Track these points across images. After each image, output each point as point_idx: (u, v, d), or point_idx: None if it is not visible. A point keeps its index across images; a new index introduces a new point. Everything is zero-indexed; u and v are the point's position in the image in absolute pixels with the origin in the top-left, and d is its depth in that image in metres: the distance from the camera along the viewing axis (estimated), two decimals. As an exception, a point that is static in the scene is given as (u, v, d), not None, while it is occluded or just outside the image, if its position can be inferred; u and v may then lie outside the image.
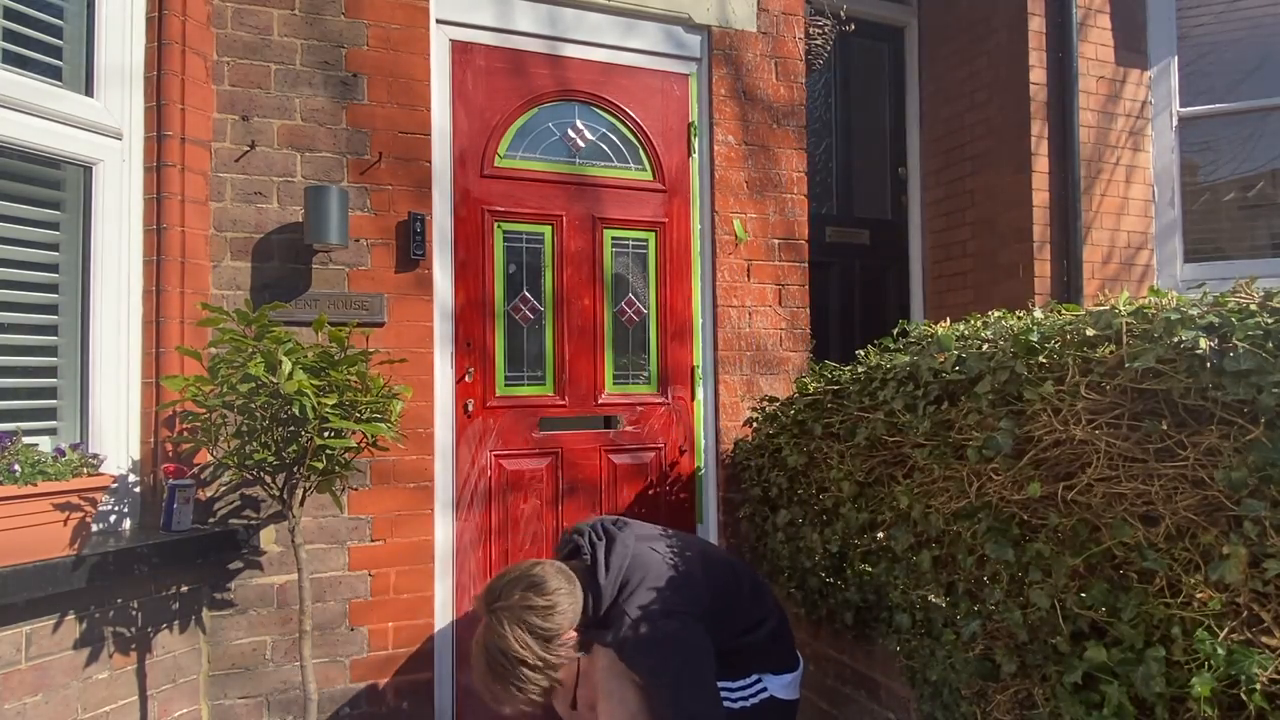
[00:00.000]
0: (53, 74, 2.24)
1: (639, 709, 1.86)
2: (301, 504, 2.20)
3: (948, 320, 2.16)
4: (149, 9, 2.38)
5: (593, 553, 2.04)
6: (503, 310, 2.85)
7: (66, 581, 1.95)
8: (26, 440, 1.97)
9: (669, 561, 2.04)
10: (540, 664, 1.86)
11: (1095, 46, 3.95)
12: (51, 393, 2.25)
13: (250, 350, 2.04)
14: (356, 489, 2.56)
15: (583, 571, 2.02)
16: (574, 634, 1.94)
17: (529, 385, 2.89)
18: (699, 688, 1.86)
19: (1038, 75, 3.85)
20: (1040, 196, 3.83)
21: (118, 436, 2.31)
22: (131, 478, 2.34)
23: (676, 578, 1.99)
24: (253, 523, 2.45)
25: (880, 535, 2.10)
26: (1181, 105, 4.05)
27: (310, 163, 2.58)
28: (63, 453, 2.00)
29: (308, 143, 2.58)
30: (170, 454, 2.34)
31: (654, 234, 3.05)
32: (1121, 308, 1.46)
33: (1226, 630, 1.26)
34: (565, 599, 1.92)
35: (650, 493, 3.00)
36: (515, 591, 1.90)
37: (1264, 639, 1.23)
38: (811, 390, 2.46)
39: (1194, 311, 1.34)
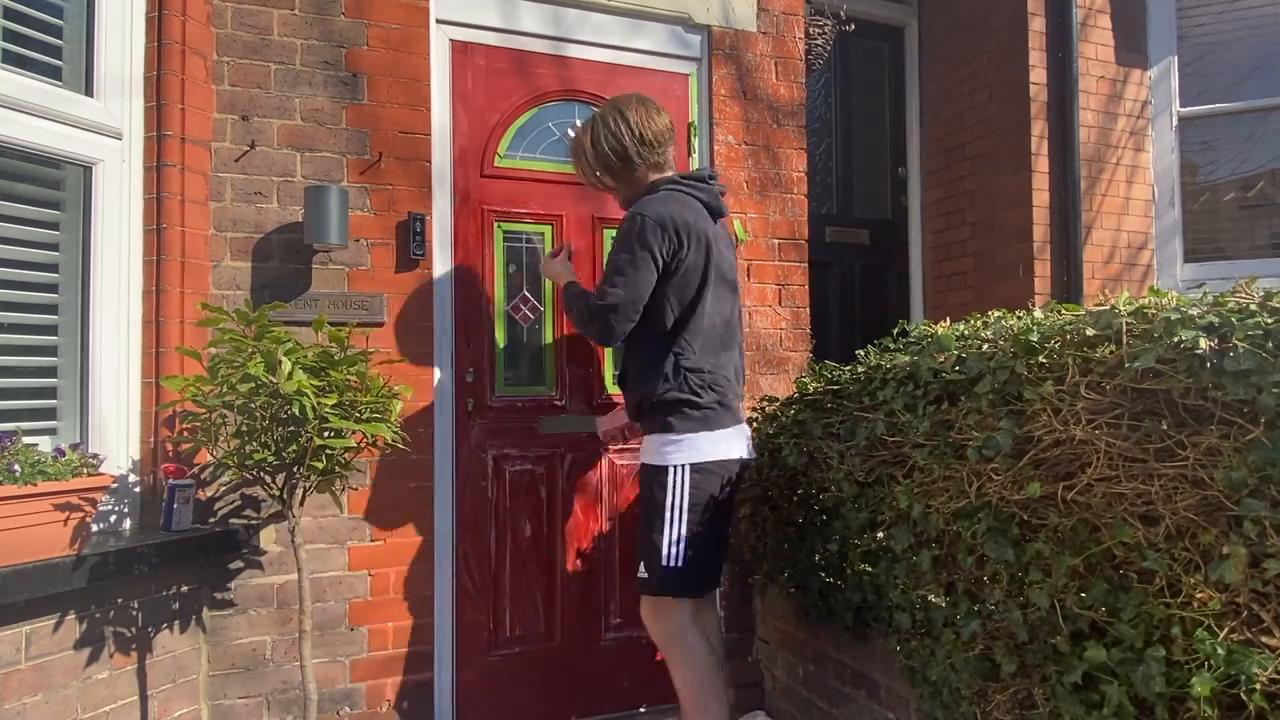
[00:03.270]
0: (53, 74, 2.24)
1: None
2: (301, 504, 2.20)
3: (948, 320, 2.16)
4: (149, 9, 2.38)
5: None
6: (503, 310, 2.85)
7: (66, 581, 1.95)
8: (26, 440, 1.97)
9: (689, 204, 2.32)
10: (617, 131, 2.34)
11: (1095, 46, 3.95)
12: (51, 393, 2.25)
13: (250, 350, 2.04)
14: (356, 489, 2.56)
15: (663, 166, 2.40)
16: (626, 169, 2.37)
17: (529, 385, 2.89)
18: (626, 275, 2.22)
19: (1038, 75, 3.85)
20: (1040, 196, 3.83)
21: (118, 436, 2.31)
22: (131, 478, 2.34)
23: (679, 212, 2.26)
24: (253, 523, 2.46)
25: (880, 535, 2.10)
26: (1181, 105, 4.05)
27: (310, 162, 2.58)
28: (62, 453, 2.00)
29: (308, 142, 2.58)
30: (170, 454, 2.34)
31: (654, 234, 3.04)
32: (1121, 308, 1.46)
33: (1226, 630, 1.26)
34: (633, 134, 2.35)
35: (650, 493, 3.00)
36: (629, 99, 2.42)
37: (1264, 639, 1.23)
38: (811, 390, 2.46)
39: (1194, 311, 1.34)
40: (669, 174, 2.40)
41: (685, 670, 2.29)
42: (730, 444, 2.28)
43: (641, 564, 2.27)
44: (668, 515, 2.21)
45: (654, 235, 2.19)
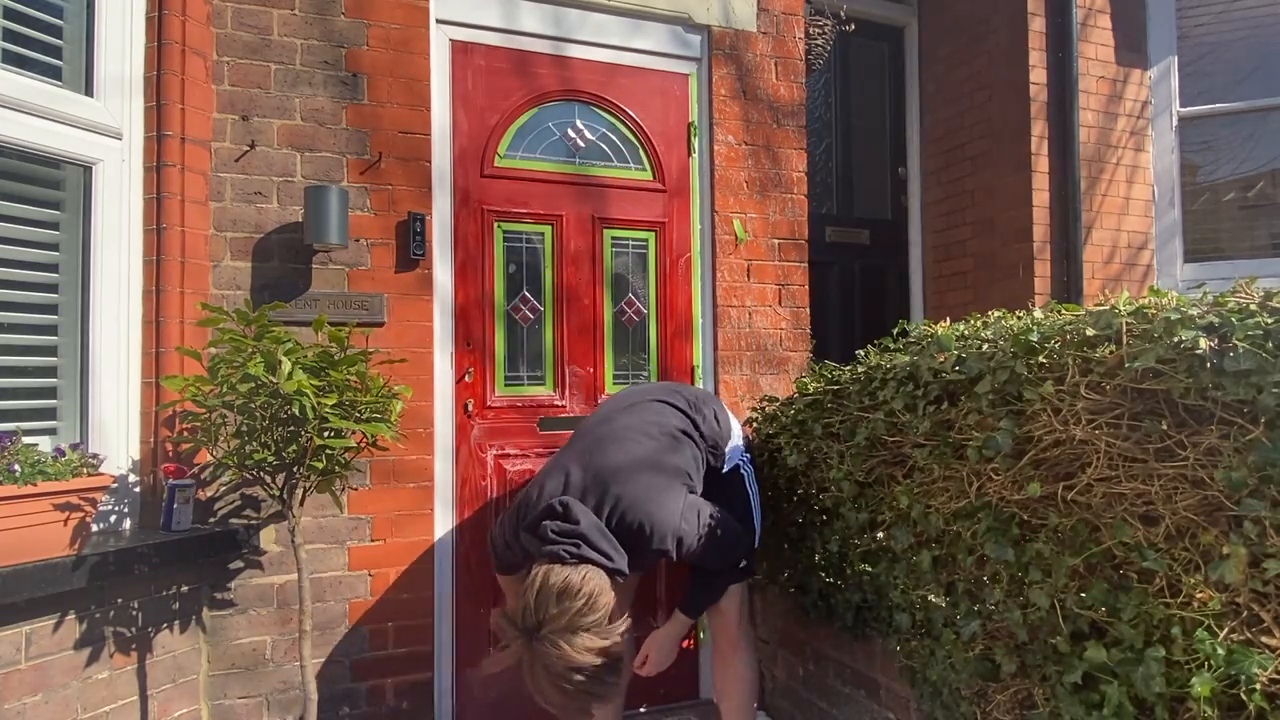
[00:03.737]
0: (53, 74, 2.24)
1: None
2: (301, 504, 2.20)
3: (948, 320, 2.16)
4: (149, 9, 2.38)
5: (577, 548, 1.94)
6: (503, 310, 2.85)
7: (66, 581, 1.95)
8: (26, 440, 1.98)
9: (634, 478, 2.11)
10: (613, 650, 1.84)
11: (1095, 46, 3.95)
12: (51, 393, 2.25)
13: (250, 350, 2.04)
14: (356, 489, 2.56)
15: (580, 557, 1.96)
16: (613, 600, 1.92)
17: (529, 385, 2.89)
18: (728, 543, 2.17)
19: (1038, 75, 3.85)
20: (1040, 196, 3.83)
21: (118, 436, 2.31)
22: (131, 478, 2.34)
23: (656, 488, 2.10)
24: (253, 523, 2.45)
25: (880, 535, 2.10)
26: (1181, 105, 4.04)
27: (310, 162, 2.58)
28: (62, 453, 2.00)
29: (308, 142, 2.58)
30: (170, 454, 2.34)
31: (654, 234, 3.05)
32: (1121, 308, 1.46)
33: (1226, 630, 1.26)
34: (595, 580, 1.88)
35: (650, 493, 3.00)
36: (550, 607, 1.81)
37: (1264, 639, 1.23)
38: (811, 390, 2.46)
39: (1194, 311, 1.34)
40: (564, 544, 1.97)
41: (753, 653, 2.42)
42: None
43: (742, 560, 2.29)
44: (753, 504, 2.39)
45: (683, 488, 2.18)
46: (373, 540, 2.58)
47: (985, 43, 4.06)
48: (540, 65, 2.92)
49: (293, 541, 2.17)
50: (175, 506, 2.27)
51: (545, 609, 1.81)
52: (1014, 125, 3.90)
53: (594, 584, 1.87)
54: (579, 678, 1.78)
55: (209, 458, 2.30)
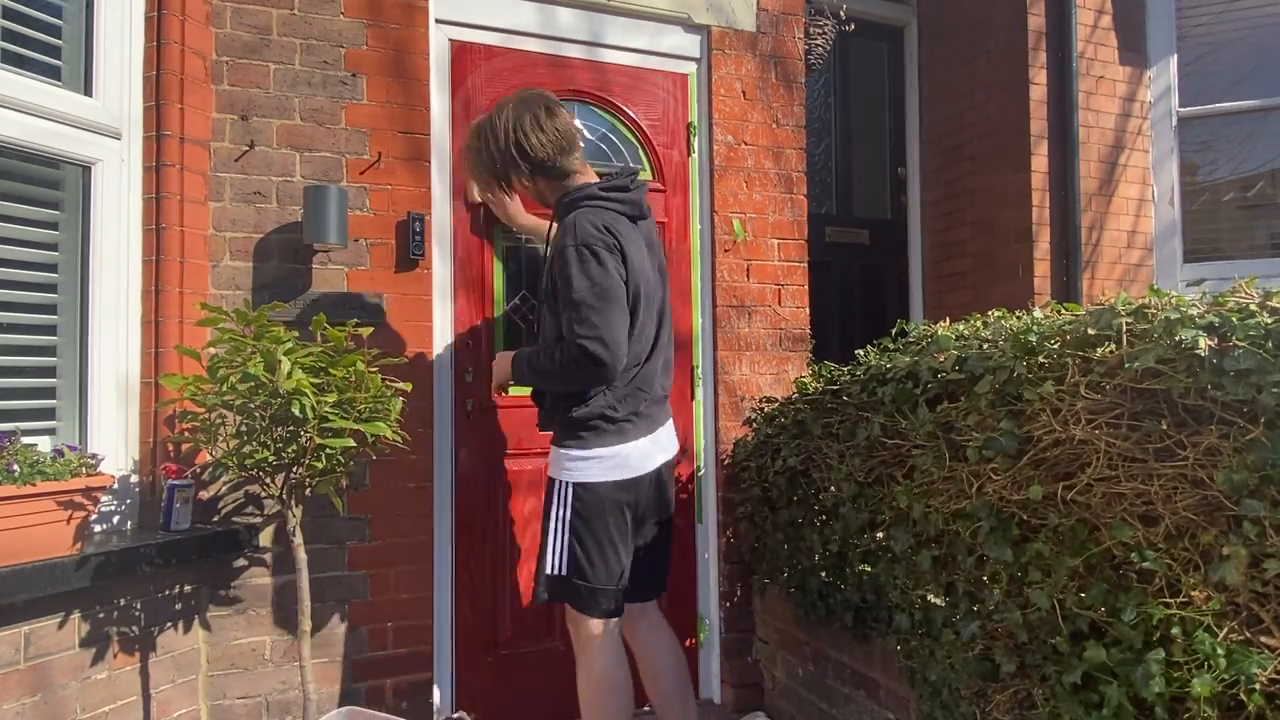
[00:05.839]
0: (52, 74, 2.24)
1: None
2: (301, 504, 2.20)
3: (947, 320, 2.16)
4: (148, 8, 2.38)
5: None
6: (502, 310, 2.85)
7: (65, 581, 1.95)
8: (25, 440, 1.97)
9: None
10: (502, 151, 2.22)
11: (1095, 46, 3.95)
12: (50, 393, 2.25)
13: (249, 350, 2.04)
14: (356, 489, 2.56)
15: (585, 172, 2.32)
16: (532, 182, 2.30)
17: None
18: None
19: (1038, 75, 3.85)
20: (1040, 196, 3.83)
21: (117, 436, 2.31)
22: (131, 478, 2.34)
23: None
24: (253, 523, 2.45)
25: (880, 535, 2.10)
26: (1181, 105, 4.04)
27: (309, 162, 2.58)
28: (61, 453, 1.99)
29: (307, 142, 2.58)
30: (170, 454, 2.34)
31: (654, 234, 3.04)
32: (1121, 307, 1.46)
33: (1226, 630, 1.26)
34: (555, 139, 2.23)
35: (650, 493, 2.99)
36: (539, 99, 2.25)
37: (1263, 639, 1.23)
38: (811, 390, 2.46)
39: (1194, 311, 1.34)
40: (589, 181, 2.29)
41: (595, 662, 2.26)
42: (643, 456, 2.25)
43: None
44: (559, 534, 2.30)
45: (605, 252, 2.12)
46: (372, 540, 2.58)
47: (985, 43, 4.06)
48: (540, 65, 2.91)
49: (292, 541, 2.17)
50: (175, 507, 2.27)
51: (537, 95, 2.28)
52: (1014, 125, 3.90)
53: (552, 138, 2.24)
54: (482, 128, 2.26)
55: (209, 458, 2.30)
